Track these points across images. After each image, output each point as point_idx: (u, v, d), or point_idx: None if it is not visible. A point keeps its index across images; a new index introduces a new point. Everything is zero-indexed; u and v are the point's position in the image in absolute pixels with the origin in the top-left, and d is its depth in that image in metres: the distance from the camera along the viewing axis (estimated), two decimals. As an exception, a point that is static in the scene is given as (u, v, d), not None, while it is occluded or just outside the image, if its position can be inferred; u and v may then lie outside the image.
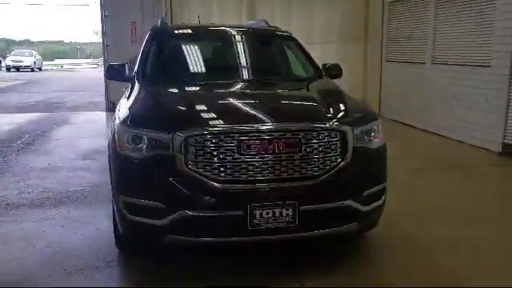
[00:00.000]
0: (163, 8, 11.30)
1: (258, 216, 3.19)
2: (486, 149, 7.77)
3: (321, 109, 3.60)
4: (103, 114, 12.04)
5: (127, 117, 3.52)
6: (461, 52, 8.53)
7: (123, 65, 4.66)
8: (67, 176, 6.31)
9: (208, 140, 3.18)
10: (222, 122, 3.28)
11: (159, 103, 3.74)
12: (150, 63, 4.62)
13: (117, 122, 3.57)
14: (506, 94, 7.32)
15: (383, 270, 3.75)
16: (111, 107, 12.22)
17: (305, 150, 3.27)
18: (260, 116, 3.37)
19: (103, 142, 9.24)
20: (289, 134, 3.26)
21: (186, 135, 3.17)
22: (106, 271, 3.68)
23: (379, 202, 3.65)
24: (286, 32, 5.33)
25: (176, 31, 5.45)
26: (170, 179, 3.19)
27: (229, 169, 3.19)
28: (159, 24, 5.43)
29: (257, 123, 3.28)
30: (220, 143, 3.18)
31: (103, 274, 3.64)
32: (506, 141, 7.38)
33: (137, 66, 4.60)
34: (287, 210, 3.22)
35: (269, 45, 5.26)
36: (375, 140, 3.65)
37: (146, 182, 3.26)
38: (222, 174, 3.19)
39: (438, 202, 5.31)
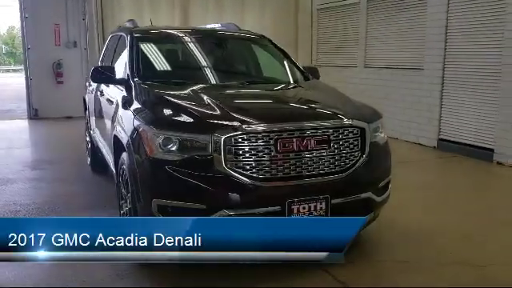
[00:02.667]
0: (93, 11, 10.86)
1: (295, 211, 3.31)
2: (420, 144, 8.49)
3: (340, 107, 3.79)
4: (26, 123, 11.26)
5: (156, 119, 3.46)
6: (393, 55, 9.12)
7: (112, 67, 4.51)
8: (24, 188, 5.89)
9: (247, 139, 3.24)
10: (258, 122, 3.34)
11: (185, 104, 3.68)
12: (145, 65, 4.49)
13: (141, 124, 3.47)
14: (439, 94, 8.06)
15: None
16: (34, 114, 11.51)
17: (333, 146, 3.46)
18: (292, 115, 3.50)
19: (45, 152, 8.64)
20: (320, 132, 3.42)
21: (225, 136, 3.20)
22: (128, 279, 3.57)
23: (387, 193, 3.94)
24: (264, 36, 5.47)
25: (165, 33, 5.36)
26: (210, 180, 3.21)
27: (267, 167, 3.27)
28: (132, 26, 5.28)
29: (291, 122, 3.39)
30: (258, 142, 3.25)
31: (124, 283, 3.52)
32: (440, 136, 8.13)
33: (128, 67, 4.41)
34: (321, 203, 3.38)
35: (259, 48, 5.34)
36: (382, 135, 3.94)
37: (186, 184, 3.22)
38: (261, 172, 3.27)
39: (405, 194, 5.74)
